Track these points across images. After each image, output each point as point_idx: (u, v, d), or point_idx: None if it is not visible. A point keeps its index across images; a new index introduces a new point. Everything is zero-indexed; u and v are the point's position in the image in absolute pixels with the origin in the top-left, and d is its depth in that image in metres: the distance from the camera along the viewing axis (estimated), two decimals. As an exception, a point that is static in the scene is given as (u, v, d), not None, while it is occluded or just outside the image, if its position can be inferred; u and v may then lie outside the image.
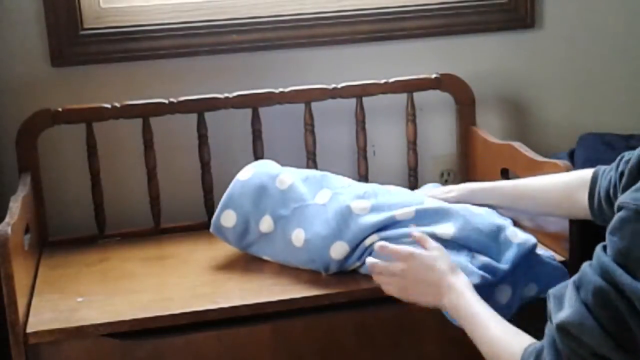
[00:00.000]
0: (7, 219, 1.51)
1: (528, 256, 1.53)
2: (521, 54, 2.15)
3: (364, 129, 2.00)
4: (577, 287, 1.09)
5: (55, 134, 1.88)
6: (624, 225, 1.05)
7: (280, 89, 1.93)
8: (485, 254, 1.51)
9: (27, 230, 1.67)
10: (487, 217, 1.58)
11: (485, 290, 1.46)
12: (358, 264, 1.59)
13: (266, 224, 1.67)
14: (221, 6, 1.98)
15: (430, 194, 1.71)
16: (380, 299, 1.52)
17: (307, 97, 1.95)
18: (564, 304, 1.10)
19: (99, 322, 1.47)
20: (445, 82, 2.01)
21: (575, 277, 1.11)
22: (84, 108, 1.86)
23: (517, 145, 1.83)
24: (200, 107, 1.90)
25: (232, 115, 1.93)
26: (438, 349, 1.50)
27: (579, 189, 1.47)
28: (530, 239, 1.55)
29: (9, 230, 1.45)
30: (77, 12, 1.89)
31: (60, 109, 1.83)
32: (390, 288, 1.45)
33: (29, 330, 1.46)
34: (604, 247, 1.08)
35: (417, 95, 2.02)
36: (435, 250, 1.44)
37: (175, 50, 1.95)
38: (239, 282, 1.62)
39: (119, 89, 1.93)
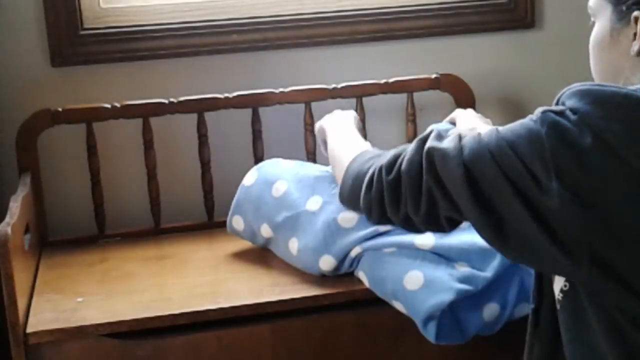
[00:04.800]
0: (7, 219, 1.51)
1: (521, 275, 1.51)
2: (521, 54, 2.15)
3: (364, 129, 2.00)
4: (460, 137, 1.15)
5: (55, 134, 1.88)
6: (528, 122, 1.13)
7: (280, 89, 1.93)
8: (467, 263, 1.51)
9: (27, 230, 1.67)
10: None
11: (470, 304, 1.46)
12: (351, 270, 1.60)
13: (265, 230, 1.69)
14: (221, 6, 1.98)
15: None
16: (380, 299, 1.52)
17: (307, 97, 1.95)
18: (443, 140, 1.17)
19: (99, 322, 1.48)
20: (445, 82, 2.01)
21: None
22: (84, 108, 1.86)
23: (517, 145, 1.83)
24: (200, 107, 1.90)
25: (232, 115, 1.93)
26: (438, 349, 1.50)
27: None
28: None
29: (9, 230, 1.45)
30: (77, 12, 1.89)
31: (60, 109, 1.83)
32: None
33: (29, 330, 1.46)
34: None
35: (417, 95, 2.02)
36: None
37: (175, 50, 1.95)
38: (238, 282, 1.62)
39: (119, 89, 1.93)
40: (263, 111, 1.94)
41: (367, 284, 1.56)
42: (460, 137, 1.16)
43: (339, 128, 1.60)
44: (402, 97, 2.01)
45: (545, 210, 1.07)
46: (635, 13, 1.13)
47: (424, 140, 1.19)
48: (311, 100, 1.95)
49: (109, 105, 1.85)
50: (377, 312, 1.55)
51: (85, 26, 1.91)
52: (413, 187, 1.19)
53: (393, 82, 1.98)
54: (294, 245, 1.63)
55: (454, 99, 2.03)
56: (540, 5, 2.13)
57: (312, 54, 2.03)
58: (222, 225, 1.79)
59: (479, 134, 1.14)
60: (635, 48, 1.14)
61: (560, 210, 1.06)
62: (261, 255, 1.74)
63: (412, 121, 2.01)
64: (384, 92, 1.98)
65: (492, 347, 1.56)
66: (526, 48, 2.15)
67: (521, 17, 2.11)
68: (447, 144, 1.15)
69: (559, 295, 1.18)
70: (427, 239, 1.52)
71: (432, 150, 1.16)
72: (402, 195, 1.21)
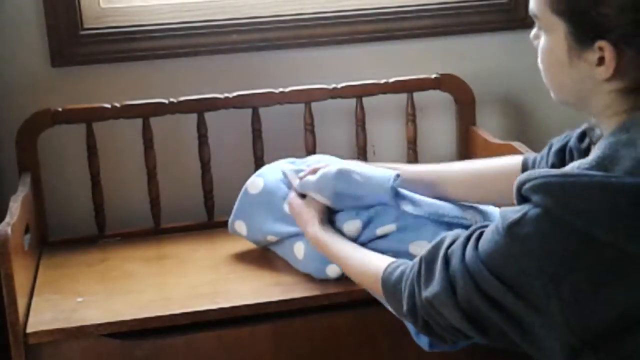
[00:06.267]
0: (7, 219, 1.51)
1: None
2: (521, 54, 2.14)
3: (364, 129, 2.00)
4: (447, 263, 1.17)
5: (55, 134, 1.88)
6: (500, 242, 1.10)
7: (280, 89, 1.93)
8: None
9: (27, 230, 1.67)
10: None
11: None
12: None
13: (271, 237, 1.70)
14: (221, 6, 1.98)
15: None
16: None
17: (307, 97, 1.95)
18: (434, 277, 1.19)
19: (99, 322, 1.48)
20: (445, 82, 2.01)
21: (449, 249, 1.18)
22: (84, 108, 1.86)
23: (517, 145, 1.83)
24: (200, 107, 1.90)
25: (232, 115, 1.93)
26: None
27: (511, 175, 1.35)
28: None
29: (9, 230, 1.45)
30: (77, 12, 1.89)
31: (60, 109, 1.83)
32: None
33: (29, 330, 1.46)
34: (479, 237, 1.14)
35: (417, 95, 2.02)
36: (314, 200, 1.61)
37: (175, 50, 1.95)
38: (239, 282, 1.62)
39: (119, 89, 1.93)
40: (263, 111, 1.94)
41: None
42: (447, 266, 1.17)
43: (329, 239, 1.55)
44: (402, 97, 2.01)
45: (543, 336, 1.08)
46: (600, 43, 1.10)
47: (419, 280, 1.22)
48: (311, 100, 1.95)
49: (109, 105, 1.85)
50: (377, 312, 1.54)
51: (85, 26, 1.91)
52: (441, 327, 1.22)
53: (393, 82, 1.98)
54: (300, 249, 1.63)
55: (454, 99, 2.03)
56: (540, 5, 2.13)
57: (312, 54, 2.03)
58: (222, 225, 1.79)
59: (463, 259, 1.14)
60: (604, 75, 1.12)
61: (565, 323, 1.06)
62: (262, 255, 1.74)
63: (412, 121, 2.01)
64: (384, 92, 1.98)
65: (491, 350, 1.56)
66: (526, 48, 2.13)
67: (521, 17, 2.11)
68: (439, 284, 1.17)
69: None
70: (422, 246, 1.51)
71: (430, 300, 1.19)
72: (441, 331, 1.24)
